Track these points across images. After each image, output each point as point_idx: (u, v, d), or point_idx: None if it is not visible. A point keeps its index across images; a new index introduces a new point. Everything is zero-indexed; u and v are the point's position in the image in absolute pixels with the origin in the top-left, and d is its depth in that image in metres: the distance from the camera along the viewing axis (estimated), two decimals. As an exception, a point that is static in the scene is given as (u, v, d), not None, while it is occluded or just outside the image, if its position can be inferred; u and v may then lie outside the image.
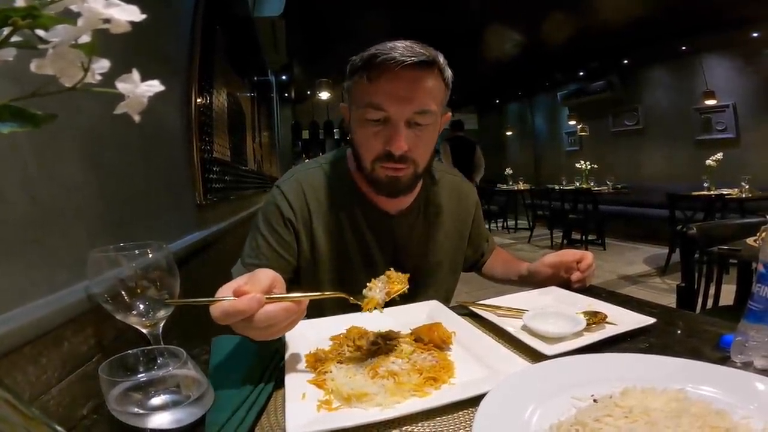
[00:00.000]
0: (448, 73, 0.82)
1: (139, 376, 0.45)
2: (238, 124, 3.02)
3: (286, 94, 7.94)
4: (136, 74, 0.28)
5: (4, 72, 0.27)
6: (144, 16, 0.25)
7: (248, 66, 3.73)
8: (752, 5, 4.41)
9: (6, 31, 0.24)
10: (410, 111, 0.76)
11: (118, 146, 0.98)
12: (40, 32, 0.25)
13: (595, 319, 0.74)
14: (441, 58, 0.79)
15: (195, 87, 1.65)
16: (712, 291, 1.72)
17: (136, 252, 0.58)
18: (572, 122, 7.95)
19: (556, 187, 6.56)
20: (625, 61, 6.68)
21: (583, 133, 7.72)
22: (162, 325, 0.59)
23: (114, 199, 0.93)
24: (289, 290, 0.59)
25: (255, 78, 4.18)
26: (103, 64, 0.28)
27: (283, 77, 6.87)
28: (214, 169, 1.93)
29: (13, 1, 0.24)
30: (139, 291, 0.57)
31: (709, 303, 1.71)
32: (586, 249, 5.44)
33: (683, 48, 5.78)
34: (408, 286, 0.67)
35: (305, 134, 9.16)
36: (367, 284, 0.65)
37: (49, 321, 0.58)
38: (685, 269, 1.69)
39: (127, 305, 0.56)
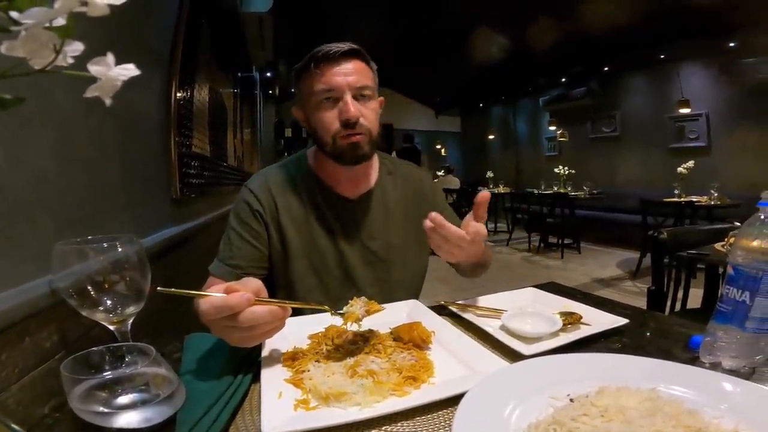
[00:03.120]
0: (373, 63, 0.98)
1: (105, 373, 0.43)
2: (220, 119, 2.96)
3: (270, 92, 7.82)
4: (110, 57, 0.27)
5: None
6: (124, 0, 0.24)
7: (233, 61, 3.66)
8: (729, 15, 4.54)
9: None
10: (354, 86, 0.91)
11: (92, 137, 0.94)
12: (14, 14, 0.24)
13: (570, 319, 0.75)
14: (364, 52, 0.95)
15: (176, 80, 1.61)
16: (680, 294, 1.78)
17: (105, 245, 0.55)
18: (553, 127, 8.09)
19: (535, 192, 6.67)
20: (606, 68, 6.82)
21: (562, 139, 7.86)
22: (131, 322, 0.57)
23: (86, 191, 0.89)
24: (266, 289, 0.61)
25: (239, 74, 4.11)
26: (76, 47, 0.27)
27: (268, 74, 6.77)
28: (193, 163, 1.88)
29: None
30: (106, 286, 0.55)
31: (677, 306, 1.77)
32: (562, 253, 5.60)
33: (661, 56, 5.91)
34: (385, 308, 0.72)
35: (288, 132, 9.07)
36: (350, 301, 0.69)
37: (10, 315, 0.55)
38: (655, 273, 1.74)
39: (94, 301, 0.54)
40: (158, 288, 0.53)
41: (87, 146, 0.91)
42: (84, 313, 0.54)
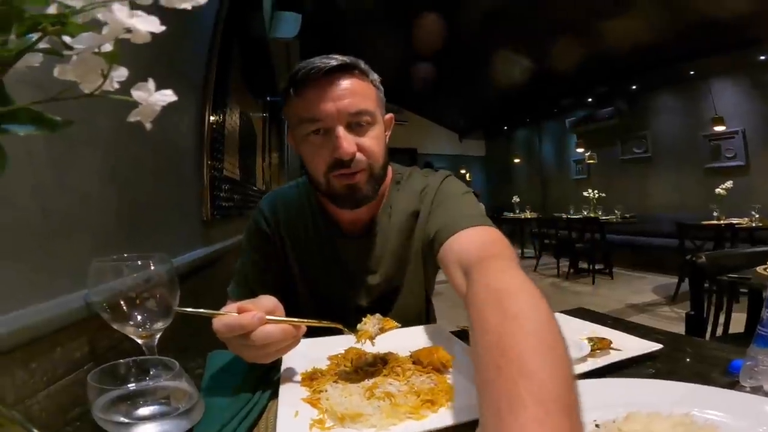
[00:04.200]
0: (374, 75, 0.81)
1: (129, 385, 0.45)
2: (249, 143, 3.07)
3: None
4: (151, 83, 0.29)
5: (27, 77, 0.27)
6: (163, 28, 0.26)
7: (262, 86, 3.81)
8: (758, 28, 4.41)
9: (34, 36, 0.25)
10: (345, 113, 0.74)
11: (130, 160, 1.00)
12: (66, 39, 0.25)
13: (599, 345, 0.72)
14: (361, 63, 0.79)
15: (209, 105, 1.69)
16: (721, 320, 1.67)
17: (139, 263, 0.58)
18: (580, 150, 7.93)
19: (564, 216, 6.49)
20: (633, 87, 6.65)
21: (591, 161, 7.68)
22: (158, 336, 0.59)
23: (122, 211, 0.94)
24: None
25: (268, 98, 4.25)
26: (121, 73, 0.29)
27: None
28: (224, 186, 1.95)
29: (45, 8, 0.25)
30: (138, 302, 0.57)
31: (719, 331, 1.67)
32: (593, 278, 5.38)
33: (691, 72, 5.71)
34: (400, 325, 0.67)
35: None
36: (363, 318, 0.66)
37: (44, 326, 0.58)
38: (694, 298, 1.65)
39: (125, 315, 0.56)
40: (176, 308, 0.55)
41: (126, 169, 0.97)
42: (115, 326, 0.56)
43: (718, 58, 5.17)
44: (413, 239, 0.89)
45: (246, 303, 0.57)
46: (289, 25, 3.59)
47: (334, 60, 0.73)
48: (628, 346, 0.72)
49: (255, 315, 0.54)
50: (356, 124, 0.75)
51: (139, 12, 0.26)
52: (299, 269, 0.92)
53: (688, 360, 0.70)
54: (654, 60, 5.67)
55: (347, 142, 0.73)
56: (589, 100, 7.52)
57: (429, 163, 8.80)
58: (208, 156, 1.67)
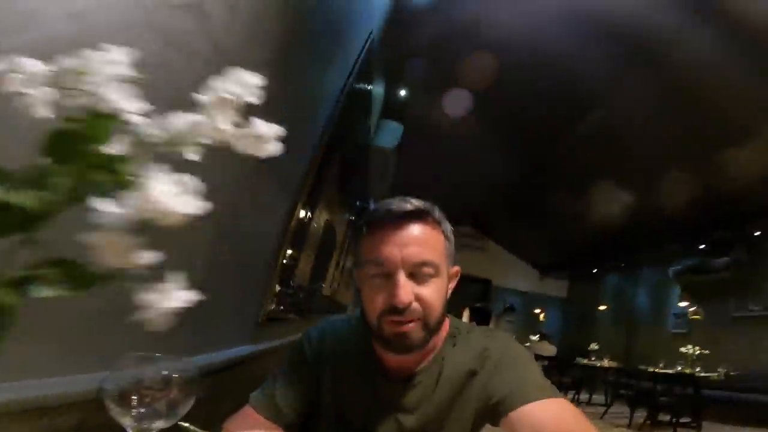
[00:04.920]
0: (447, 225, 0.82)
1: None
2: (328, 246, 3.14)
3: None
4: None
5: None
6: (200, 211, 0.26)
7: (355, 190, 3.97)
8: None
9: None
10: (409, 261, 0.74)
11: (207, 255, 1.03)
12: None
13: None
14: (436, 212, 0.80)
15: (300, 204, 1.76)
16: None
17: (161, 363, 0.57)
18: (684, 303, 6.99)
19: (650, 369, 5.65)
20: (757, 233, 5.66)
21: (696, 317, 6.65)
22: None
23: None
24: None
25: (357, 202, 4.38)
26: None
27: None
28: (290, 284, 1.96)
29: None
30: (148, 400, 0.54)
31: None
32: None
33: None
34: None
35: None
36: None
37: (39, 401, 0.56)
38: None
39: (129, 409, 0.53)
40: (179, 422, 0.52)
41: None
42: (112, 414, 0.53)
43: None
44: (467, 398, 0.85)
45: None
46: (391, 134, 3.95)
47: (410, 205, 0.76)
48: None
49: None
50: (419, 274, 0.75)
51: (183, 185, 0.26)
52: (333, 401, 0.89)
53: None
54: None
55: (405, 290, 0.73)
56: (702, 246, 6.54)
57: (512, 305, 8.33)
58: (284, 254, 1.71)
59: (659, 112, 4.73)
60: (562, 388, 6.87)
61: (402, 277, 0.73)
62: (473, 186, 7.63)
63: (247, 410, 0.87)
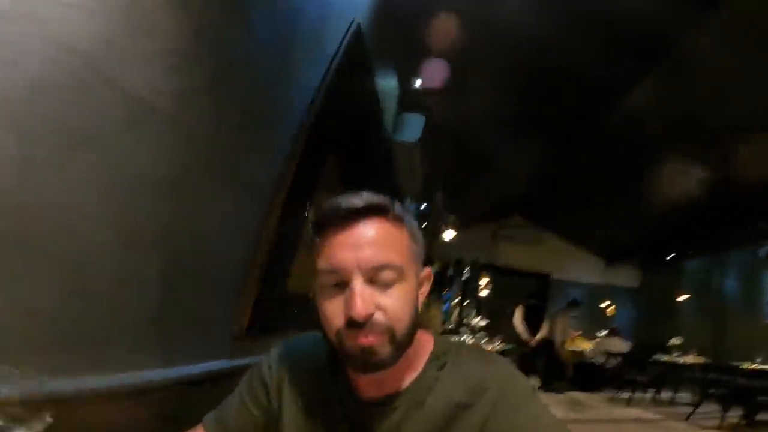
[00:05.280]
0: (412, 222, 0.72)
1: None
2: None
3: (424, 225, 8.03)
4: None
5: None
6: None
7: (381, 190, 3.94)
8: None
9: None
10: (366, 266, 0.64)
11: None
12: None
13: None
14: (397, 208, 0.70)
15: (276, 208, 1.66)
16: None
17: None
18: (781, 289, 6.03)
19: (745, 366, 5.10)
20: None
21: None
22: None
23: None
24: None
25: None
26: None
27: (422, 207, 7.13)
28: (277, 293, 1.88)
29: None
30: None
31: None
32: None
33: None
34: None
35: (436, 267, 9.14)
36: None
37: None
38: None
39: None
40: None
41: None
42: None
43: None
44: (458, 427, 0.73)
45: None
46: (413, 127, 3.77)
47: (361, 200, 0.66)
48: None
49: None
50: (380, 281, 0.65)
51: None
52: (295, 429, 0.80)
53: None
54: None
55: (363, 300, 0.63)
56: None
57: (575, 300, 7.72)
58: (263, 255, 1.61)
59: (739, 63, 3.86)
60: (638, 387, 6.29)
61: (359, 285, 0.64)
62: (518, 172, 7.07)
63: (198, 430, 0.83)
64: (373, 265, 0.64)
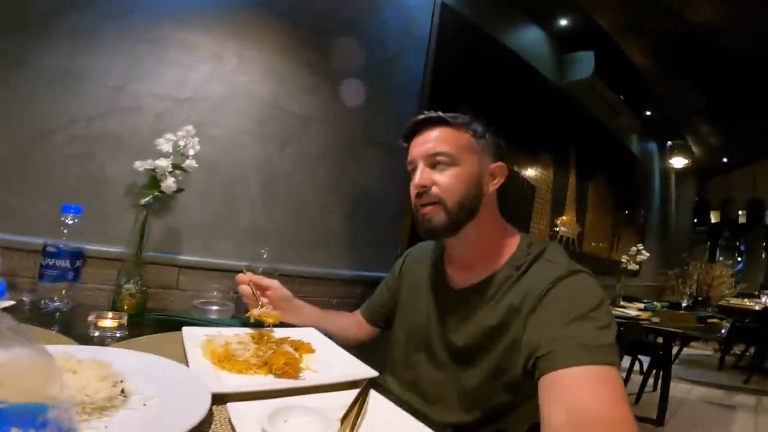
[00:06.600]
0: (473, 125, 0.88)
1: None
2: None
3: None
4: None
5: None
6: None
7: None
8: None
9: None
10: (425, 154, 0.86)
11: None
12: None
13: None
14: (451, 118, 0.87)
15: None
16: None
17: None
18: None
19: None
20: None
21: None
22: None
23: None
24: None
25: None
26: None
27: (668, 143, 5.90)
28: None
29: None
30: None
31: None
32: None
33: None
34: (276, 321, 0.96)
35: (715, 216, 7.13)
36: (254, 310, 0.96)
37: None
38: None
39: None
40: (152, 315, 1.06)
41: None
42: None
43: None
44: (508, 330, 0.80)
45: (253, 277, 1.03)
46: (582, 65, 3.35)
47: (426, 115, 0.88)
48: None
49: (243, 278, 1.02)
50: (436, 163, 0.85)
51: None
52: (403, 307, 1.03)
53: None
54: None
55: (422, 174, 0.85)
56: None
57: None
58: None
59: None
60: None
61: (421, 166, 0.86)
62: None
63: (357, 312, 1.18)
64: (430, 153, 0.85)
